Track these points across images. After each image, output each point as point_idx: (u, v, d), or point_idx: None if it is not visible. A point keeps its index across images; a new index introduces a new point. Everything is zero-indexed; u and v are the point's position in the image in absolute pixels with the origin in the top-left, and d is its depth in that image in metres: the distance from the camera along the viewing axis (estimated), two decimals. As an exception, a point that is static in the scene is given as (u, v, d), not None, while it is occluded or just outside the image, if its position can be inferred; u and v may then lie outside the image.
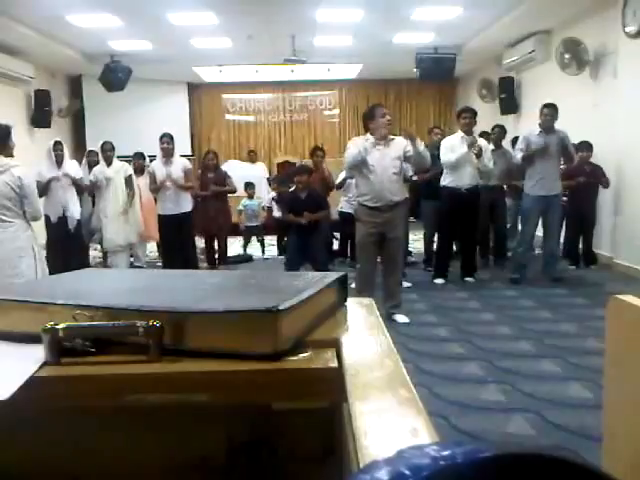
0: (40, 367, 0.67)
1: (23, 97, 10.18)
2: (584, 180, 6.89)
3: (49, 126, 10.48)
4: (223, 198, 7.51)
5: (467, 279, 6.52)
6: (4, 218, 4.22)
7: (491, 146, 7.11)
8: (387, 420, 0.54)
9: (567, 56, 8.01)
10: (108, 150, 6.85)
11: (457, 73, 10.98)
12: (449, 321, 5.07)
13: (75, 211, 6.52)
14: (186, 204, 6.86)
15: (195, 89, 13.63)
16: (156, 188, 6.84)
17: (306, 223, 6.00)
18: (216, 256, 7.59)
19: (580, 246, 7.28)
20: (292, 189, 6.67)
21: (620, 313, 1.26)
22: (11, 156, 4.38)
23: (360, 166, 4.87)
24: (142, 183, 7.27)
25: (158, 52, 10.16)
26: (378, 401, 0.58)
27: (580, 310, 5.32)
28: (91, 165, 7.34)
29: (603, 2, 7.26)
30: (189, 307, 0.70)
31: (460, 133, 6.38)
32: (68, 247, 6.40)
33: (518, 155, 6.33)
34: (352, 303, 0.93)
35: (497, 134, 7.63)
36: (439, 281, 6.50)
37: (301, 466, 0.78)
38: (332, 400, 0.67)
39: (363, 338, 0.78)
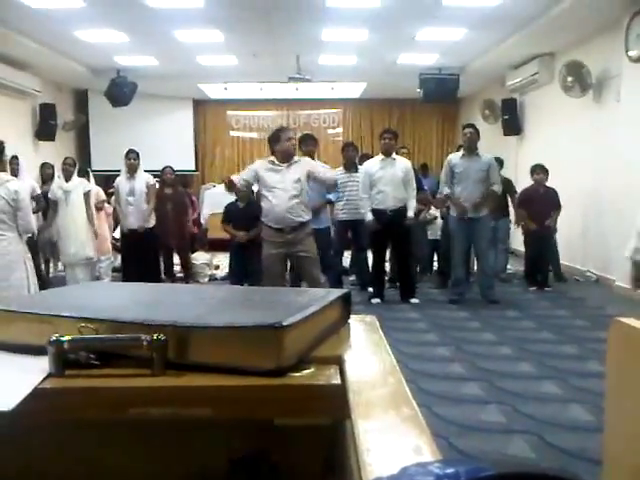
0: (44, 379, 0.67)
1: (29, 110, 10.24)
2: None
3: (54, 139, 10.54)
4: (182, 213, 7.61)
5: (412, 301, 6.38)
6: None
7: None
8: (390, 438, 0.54)
9: (570, 79, 8.05)
10: (69, 165, 6.57)
11: (460, 94, 11.04)
12: (449, 340, 5.05)
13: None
14: (148, 220, 6.92)
15: (200, 105, 13.69)
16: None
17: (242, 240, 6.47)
18: (173, 270, 7.73)
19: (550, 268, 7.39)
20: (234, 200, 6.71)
21: (622, 336, 1.26)
22: (4, 171, 4.39)
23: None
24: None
25: (164, 68, 10.24)
26: (381, 418, 0.58)
27: (581, 332, 5.30)
28: (44, 179, 7.25)
29: (606, 26, 7.32)
30: (193, 321, 0.70)
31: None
32: None
33: (445, 190, 6.36)
34: (355, 320, 0.94)
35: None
36: (375, 301, 6.42)
37: (302, 483, 0.78)
38: (335, 417, 0.67)
39: (366, 355, 0.78)
